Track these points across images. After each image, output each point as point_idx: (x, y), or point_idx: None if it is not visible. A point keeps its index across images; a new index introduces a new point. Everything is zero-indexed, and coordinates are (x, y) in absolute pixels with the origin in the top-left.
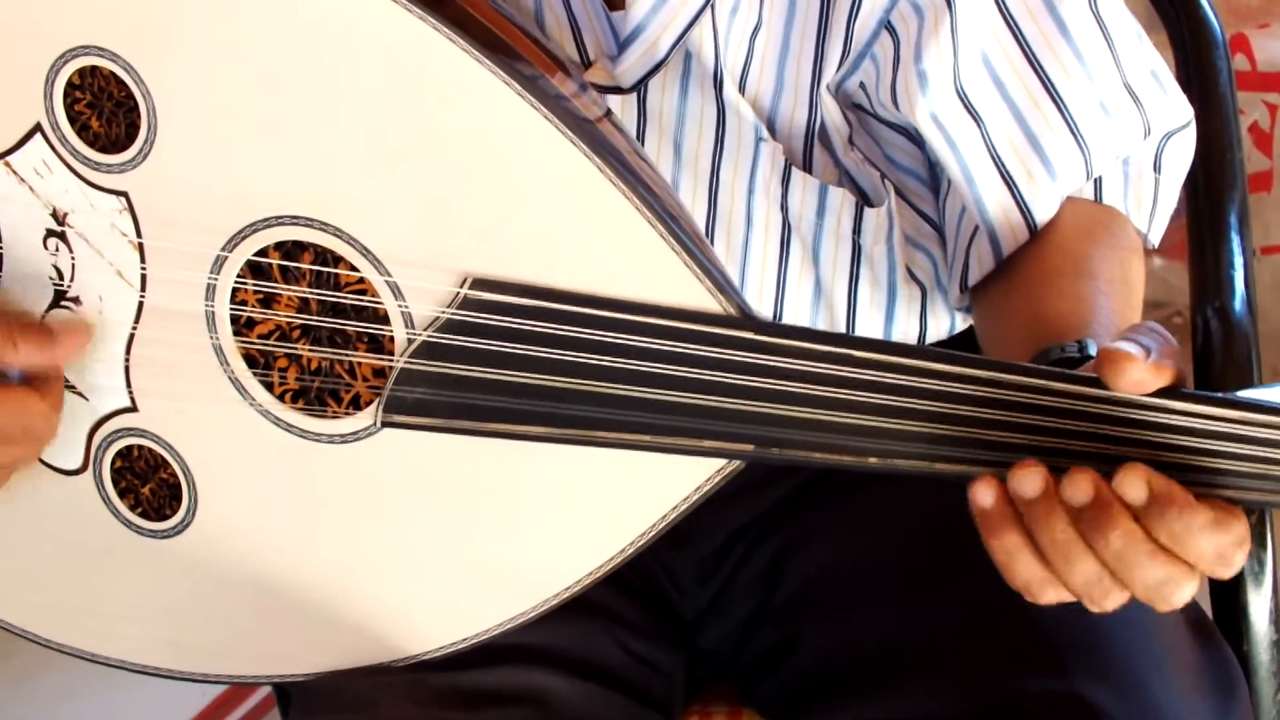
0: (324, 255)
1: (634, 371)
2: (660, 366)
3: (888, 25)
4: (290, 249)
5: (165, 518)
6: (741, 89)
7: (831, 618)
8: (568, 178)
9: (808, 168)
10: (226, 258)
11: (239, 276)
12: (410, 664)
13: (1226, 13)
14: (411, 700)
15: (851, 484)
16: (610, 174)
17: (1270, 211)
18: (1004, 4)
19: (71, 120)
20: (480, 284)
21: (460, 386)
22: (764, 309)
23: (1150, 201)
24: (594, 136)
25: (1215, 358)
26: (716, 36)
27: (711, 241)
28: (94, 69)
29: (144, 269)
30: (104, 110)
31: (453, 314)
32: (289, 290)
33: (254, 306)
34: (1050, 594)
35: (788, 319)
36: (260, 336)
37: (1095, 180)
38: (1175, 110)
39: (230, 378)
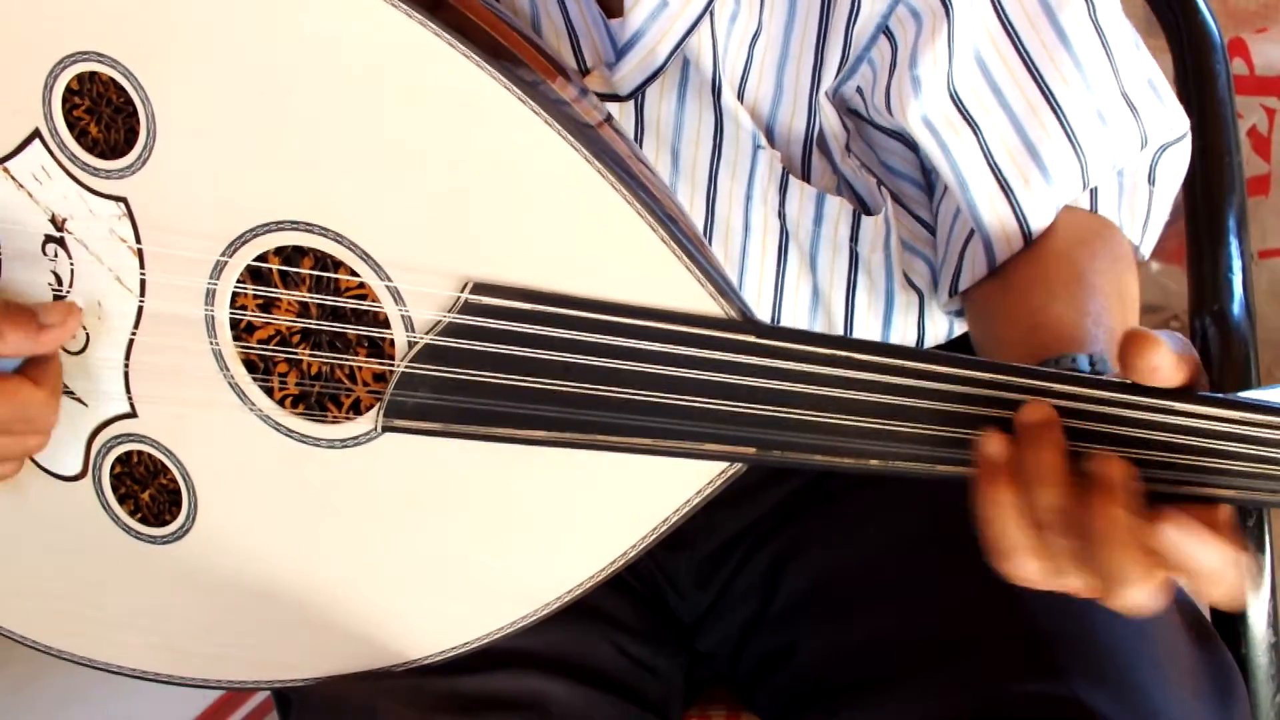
0: (324, 260)
1: (636, 375)
2: (662, 369)
3: (886, 30)
4: (290, 254)
5: (165, 523)
6: (740, 96)
7: (830, 621)
8: (569, 182)
9: (806, 174)
10: (226, 263)
11: (239, 281)
12: (409, 669)
13: (1224, 17)
14: (411, 705)
15: (849, 488)
16: (611, 179)
17: (1268, 215)
18: (1003, 11)
19: (70, 126)
20: (481, 288)
21: (461, 391)
22: (762, 316)
23: (1144, 214)
24: (595, 141)
25: (1213, 362)
26: (715, 43)
27: None
28: (93, 74)
29: (143, 274)
30: (103, 116)
31: (454, 318)
32: (289, 295)
33: (254, 311)
34: (1023, 561)
35: (785, 325)
36: (260, 341)
37: (1091, 191)
38: (1172, 121)
39: (230, 383)
